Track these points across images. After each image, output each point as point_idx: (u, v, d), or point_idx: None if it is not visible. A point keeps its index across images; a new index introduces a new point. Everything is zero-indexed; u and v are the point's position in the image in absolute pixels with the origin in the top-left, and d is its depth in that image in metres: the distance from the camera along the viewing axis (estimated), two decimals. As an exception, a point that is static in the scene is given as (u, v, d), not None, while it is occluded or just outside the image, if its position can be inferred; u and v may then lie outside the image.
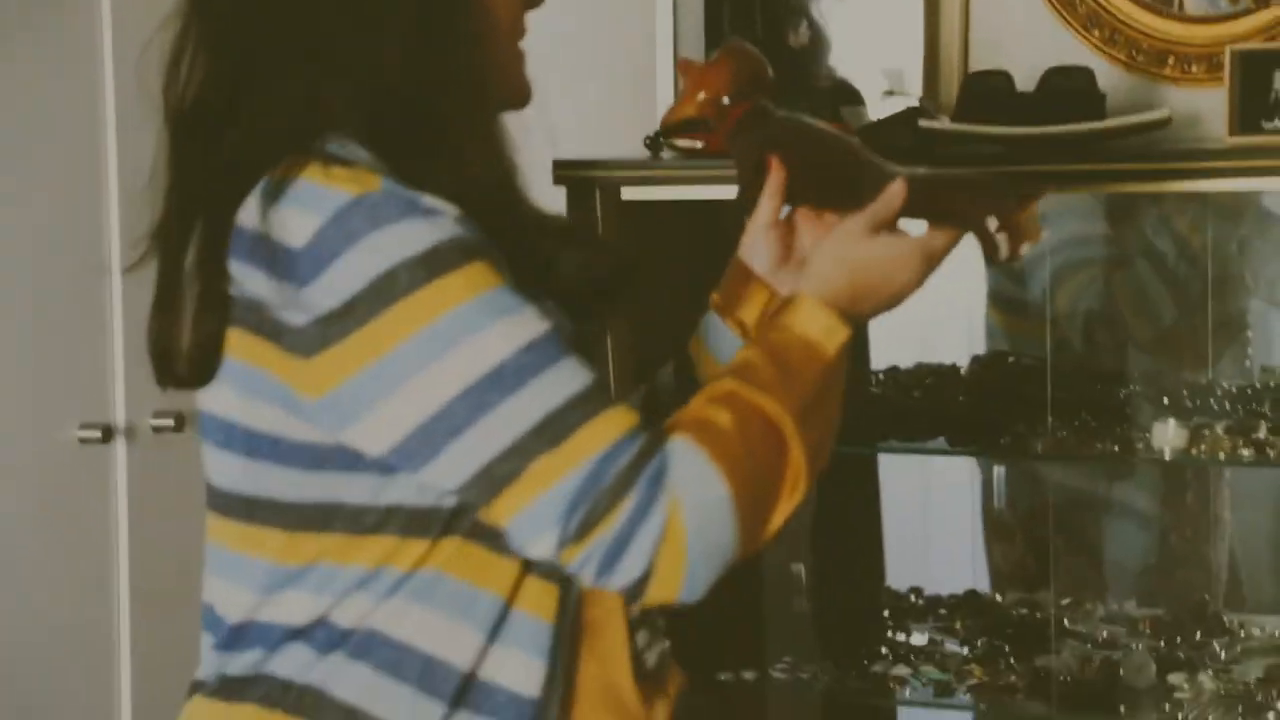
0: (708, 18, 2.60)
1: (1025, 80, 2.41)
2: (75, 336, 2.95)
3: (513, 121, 1.43)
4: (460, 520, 1.34)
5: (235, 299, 1.33)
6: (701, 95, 1.55)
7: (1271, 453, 2.35)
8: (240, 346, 1.34)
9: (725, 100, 1.53)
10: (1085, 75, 2.37)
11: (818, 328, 1.36)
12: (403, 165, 1.33)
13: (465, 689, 1.33)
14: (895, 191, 1.40)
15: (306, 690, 1.35)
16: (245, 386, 1.35)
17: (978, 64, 2.58)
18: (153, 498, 2.97)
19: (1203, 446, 2.40)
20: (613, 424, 1.29)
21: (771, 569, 2.58)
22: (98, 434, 2.92)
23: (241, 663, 1.37)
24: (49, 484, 2.93)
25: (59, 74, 2.92)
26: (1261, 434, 2.38)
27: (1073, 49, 2.53)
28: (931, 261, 1.42)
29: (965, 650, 2.61)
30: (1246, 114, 2.22)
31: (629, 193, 2.29)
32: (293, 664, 1.35)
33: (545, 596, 1.34)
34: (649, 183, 2.33)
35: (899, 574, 2.80)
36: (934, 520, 2.92)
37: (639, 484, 1.27)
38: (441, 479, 1.29)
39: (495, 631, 1.34)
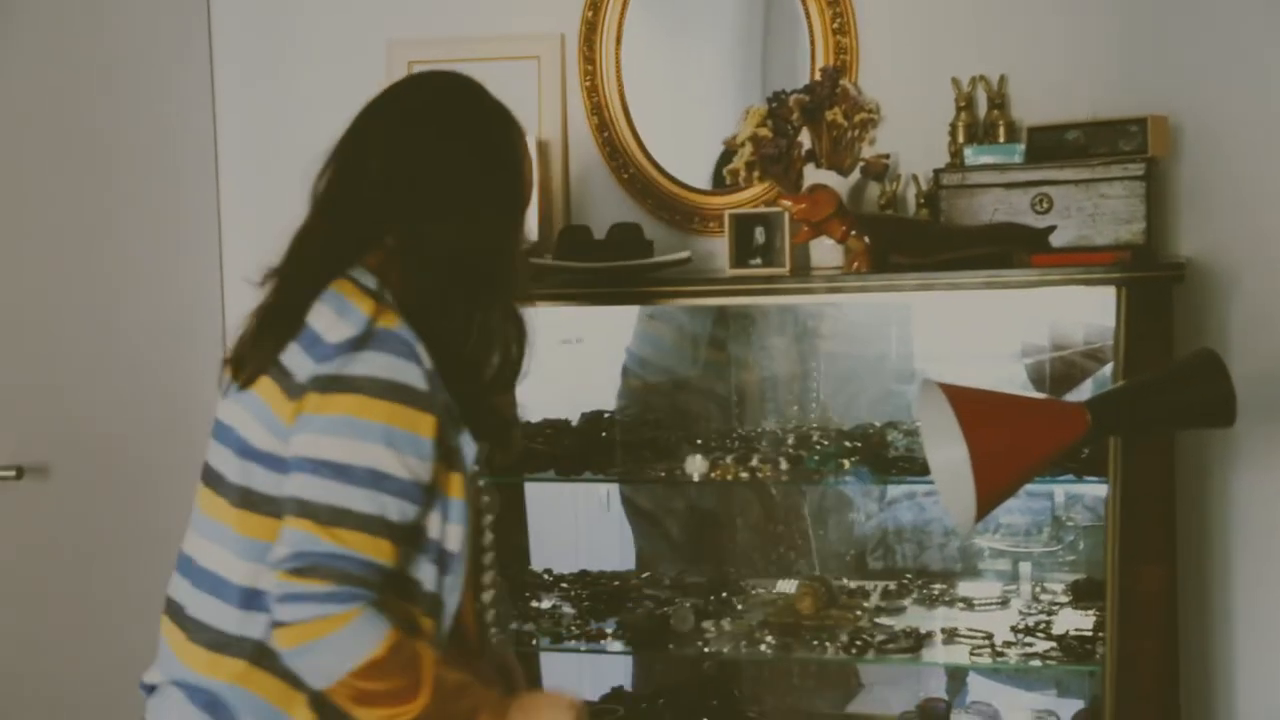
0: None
1: (599, 231, 2.89)
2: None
3: None
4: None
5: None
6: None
7: (759, 474, 2.83)
8: (264, 386, 1.75)
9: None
10: (637, 229, 2.88)
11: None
12: (429, 316, 1.70)
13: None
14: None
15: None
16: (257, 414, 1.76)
17: (572, 220, 3.02)
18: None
19: (717, 471, 2.84)
20: (374, 549, 1.67)
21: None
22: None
23: (260, 625, 1.73)
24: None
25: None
26: (754, 463, 2.84)
27: (633, 211, 3.02)
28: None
29: (574, 610, 3.03)
30: (739, 254, 2.77)
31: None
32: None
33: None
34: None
35: (538, 559, 3.24)
36: (556, 518, 3.27)
37: (350, 586, 1.66)
38: (293, 488, 1.72)
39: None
